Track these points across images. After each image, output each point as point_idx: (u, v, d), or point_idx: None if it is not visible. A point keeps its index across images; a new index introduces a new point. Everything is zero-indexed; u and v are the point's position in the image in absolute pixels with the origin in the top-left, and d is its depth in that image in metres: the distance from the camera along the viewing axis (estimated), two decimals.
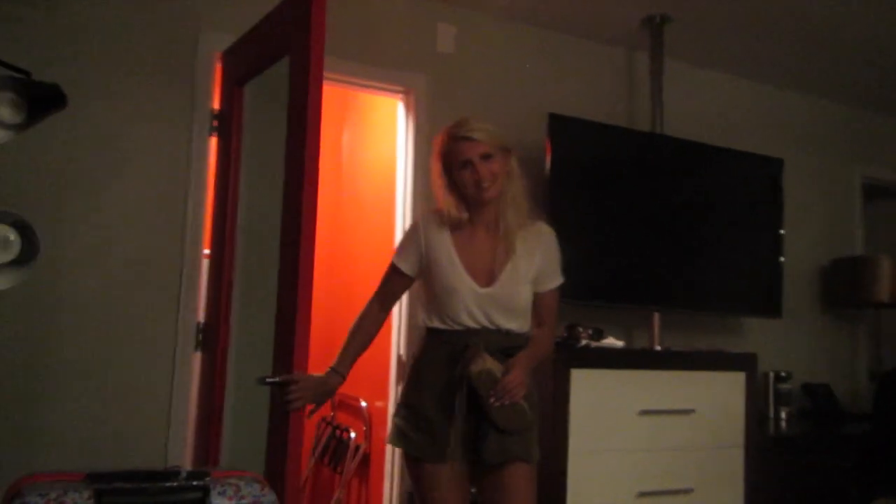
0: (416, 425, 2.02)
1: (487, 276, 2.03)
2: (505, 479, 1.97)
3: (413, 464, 2.05)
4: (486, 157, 1.99)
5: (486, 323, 2.00)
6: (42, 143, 2.41)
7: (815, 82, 4.07)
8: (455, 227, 2.07)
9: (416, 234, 2.12)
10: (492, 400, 1.91)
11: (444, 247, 2.05)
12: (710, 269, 3.44)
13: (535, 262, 2.06)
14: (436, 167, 2.08)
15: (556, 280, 2.13)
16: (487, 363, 1.93)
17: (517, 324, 2.05)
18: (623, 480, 2.72)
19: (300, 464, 1.85)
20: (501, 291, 2.01)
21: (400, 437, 2.06)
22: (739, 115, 3.98)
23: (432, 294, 2.07)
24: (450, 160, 2.03)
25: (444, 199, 2.07)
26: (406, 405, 2.07)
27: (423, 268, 2.10)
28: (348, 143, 4.30)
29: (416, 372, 2.09)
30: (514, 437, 1.97)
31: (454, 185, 2.03)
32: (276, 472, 1.85)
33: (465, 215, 2.05)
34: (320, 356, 4.05)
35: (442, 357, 2.02)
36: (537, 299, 2.10)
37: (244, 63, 2.50)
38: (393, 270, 2.16)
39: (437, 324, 2.05)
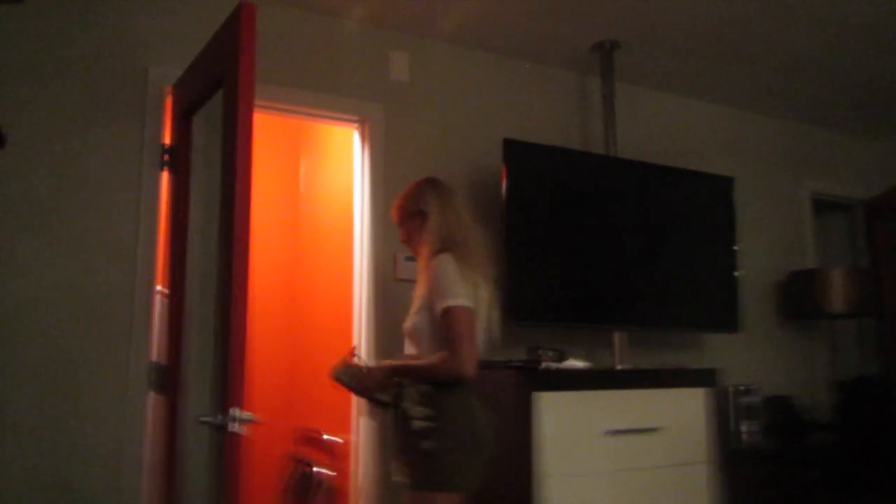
0: None
1: None
2: None
3: None
4: (398, 224, 2.40)
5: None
6: None
7: (764, 101, 4.17)
8: None
9: None
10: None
11: None
12: (668, 286, 3.47)
13: (419, 291, 2.22)
14: None
15: (438, 304, 2.09)
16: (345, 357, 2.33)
17: (415, 351, 2.23)
18: (592, 503, 2.71)
19: None
20: (405, 324, 2.25)
21: None
22: (691, 134, 4.06)
23: None
24: None
25: None
26: None
27: None
28: (305, 172, 4.27)
29: None
30: (403, 457, 2.13)
31: None
32: None
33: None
34: (281, 387, 3.99)
35: None
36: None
37: (190, 94, 2.47)
38: None
39: None
